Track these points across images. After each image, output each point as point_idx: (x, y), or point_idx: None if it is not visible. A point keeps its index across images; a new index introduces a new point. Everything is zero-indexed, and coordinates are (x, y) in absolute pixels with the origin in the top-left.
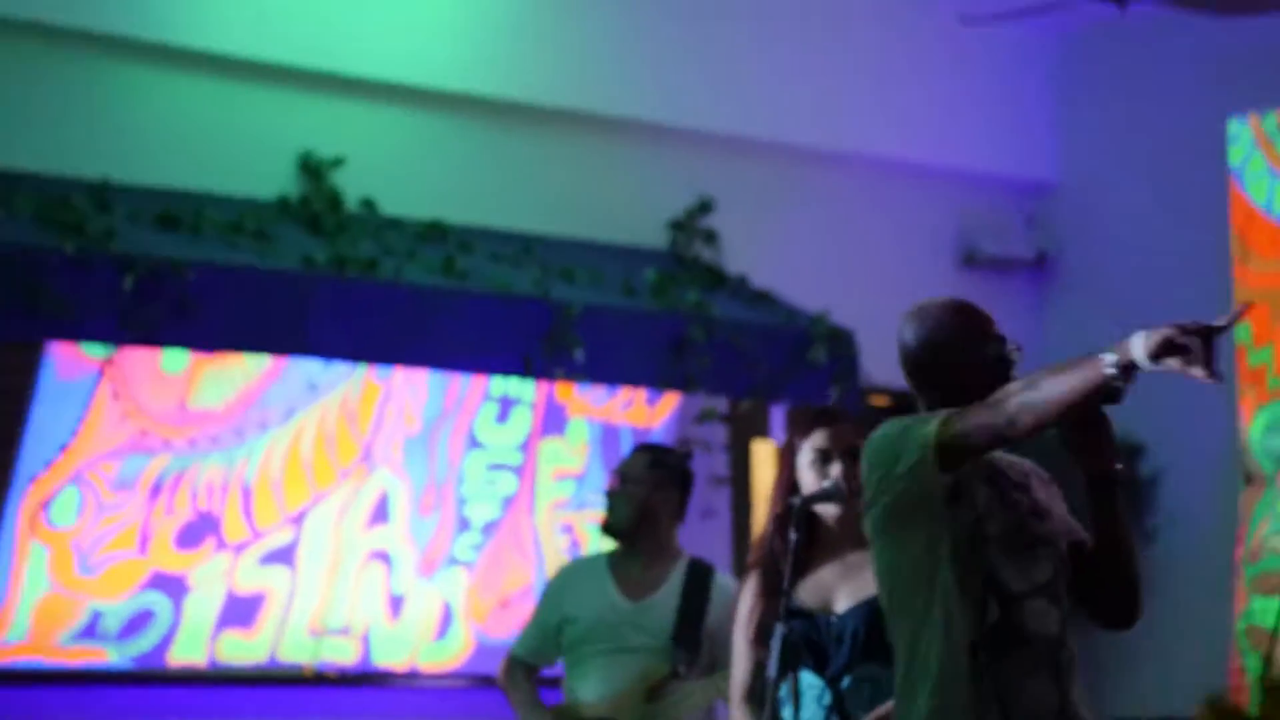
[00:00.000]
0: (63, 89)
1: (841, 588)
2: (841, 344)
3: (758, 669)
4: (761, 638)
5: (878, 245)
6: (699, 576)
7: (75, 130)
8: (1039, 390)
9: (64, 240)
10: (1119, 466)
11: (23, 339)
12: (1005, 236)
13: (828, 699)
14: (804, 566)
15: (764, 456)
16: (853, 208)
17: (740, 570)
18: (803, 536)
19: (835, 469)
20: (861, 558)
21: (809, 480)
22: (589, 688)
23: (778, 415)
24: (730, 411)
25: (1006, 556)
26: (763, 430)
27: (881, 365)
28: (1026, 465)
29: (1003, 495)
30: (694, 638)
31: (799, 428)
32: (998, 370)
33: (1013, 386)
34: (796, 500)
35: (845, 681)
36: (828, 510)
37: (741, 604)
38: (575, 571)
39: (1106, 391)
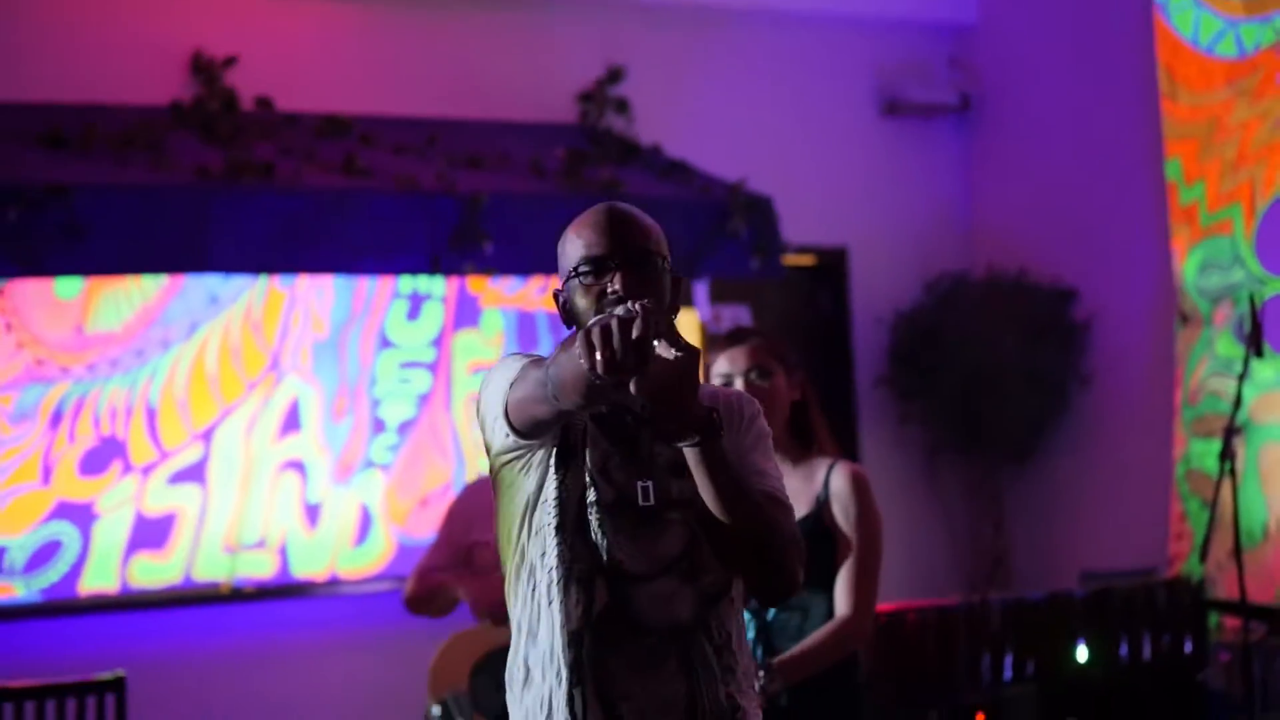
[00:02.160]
0: None
1: None
2: (760, 213)
3: None
4: None
5: (796, 100)
6: None
7: None
8: (557, 366)
9: None
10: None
11: None
12: (927, 82)
13: (751, 632)
14: None
15: (687, 326)
16: (768, 64)
17: None
18: None
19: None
20: (786, 480)
21: None
22: None
23: (700, 287)
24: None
25: (619, 529)
26: (685, 300)
27: (804, 225)
28: (710, 396)
29: (630, 451)
30: None
31: (712, 352)
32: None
33: (558, 351)
34: None
35: (770, 613)
36: None
37: None
38: (482, 491)
39: (593, 390)
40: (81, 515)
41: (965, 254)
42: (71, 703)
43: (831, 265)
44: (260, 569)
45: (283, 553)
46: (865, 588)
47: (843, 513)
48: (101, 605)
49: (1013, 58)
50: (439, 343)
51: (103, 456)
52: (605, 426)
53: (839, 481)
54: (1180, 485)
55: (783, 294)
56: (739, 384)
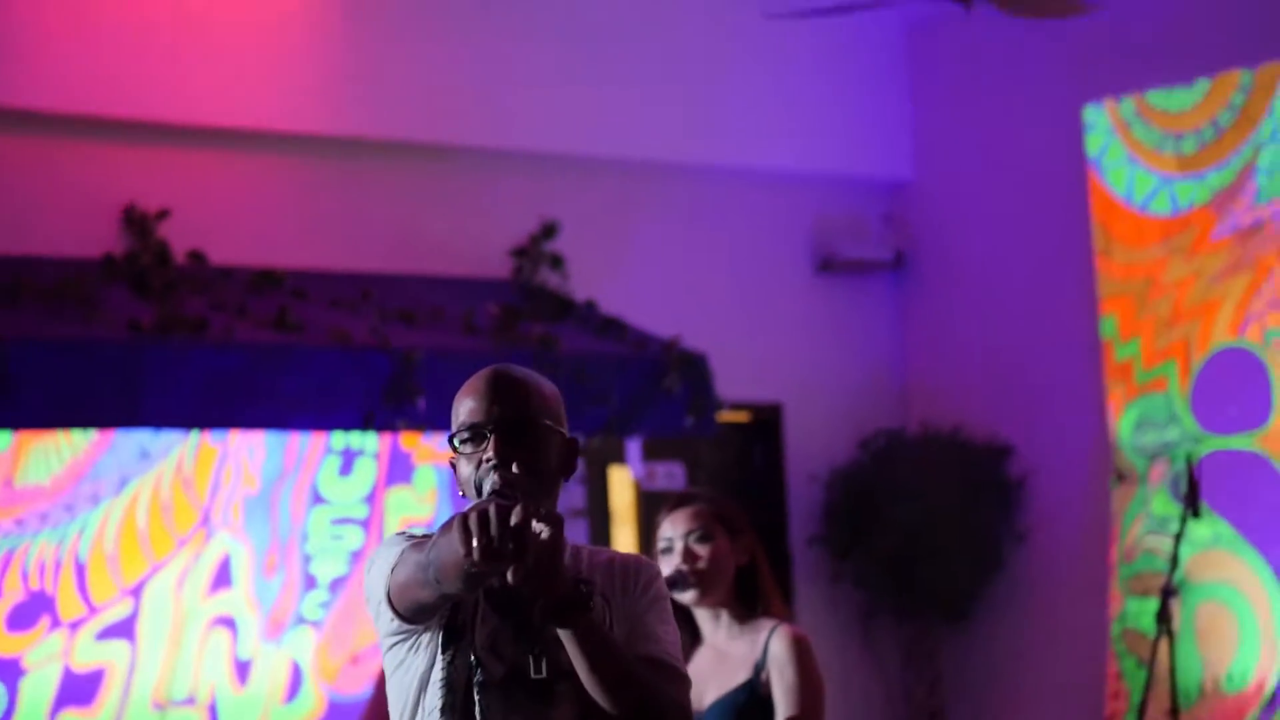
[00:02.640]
0: None
1: (711, 680)
2: (695, 370)
3: None
4: None
5: (731, 257)
6: None
7: None
8: (438, 550)
9: None
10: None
11: None
12: (862, 238)
13: None
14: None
15: (620, 483)
16: (703, 220)
17: None
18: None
19: (675, 557)
20: (730, 644)
21: (664, 570)
22: None
23: (634, 444)
24: (584, 445)
25: (511, 705)
26: (618, 457)
27: (738, 381)
28: (607, 561)
29: (521, 623)
30: None
31: (661, 514)
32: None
33: (439, 534)
34: None
35: None
36: (685, 598)
37: None
38: None
39: (472, 576)
40: (9, 671)
41: (900, 411)
42: None
43: (766, 422)
44: None
45: (212, 710)
46: None
47: (779, 677)
48: None
49: (947, 214)
50: (371, 499)
51: (31, 611)
52: (495, 599)
53: (778, 646)
54: (1116, 644)
55: (717, 451)
56: (678, 548)
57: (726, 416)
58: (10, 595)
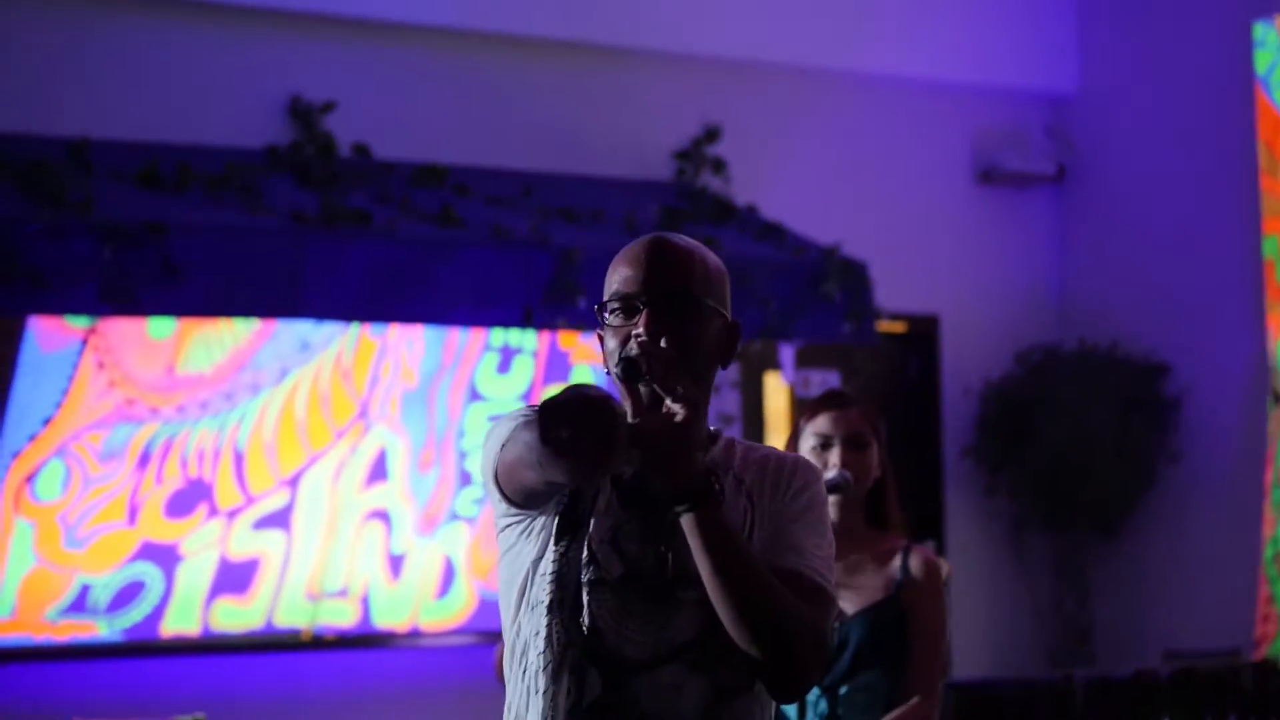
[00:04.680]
0: (37, 44)
1: (843, 590)
2: (855, 277)
3: None
4: None
5: (891, 166)
6: None
7: (51, 87)
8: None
9: (41, 209)
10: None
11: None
12: (1023, 151)
13: (823, 707)
14: None
15: (774, 389)
16: (865, 129)
17: None
18: None
19: (835, 456)
20: (860, 557)
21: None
22: None
23: (788, 350)
24: (740, 350)
25: (625, 609)
26: (773, 364)
27: (895, 291)
28: (762, 458)
29: (648, 520)
30: None
31: (806, 412)
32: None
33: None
34: None
35: (843, 690)
36: (832, 499)
37: None
38: None
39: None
40: (166, 557)
41: (1057, 325)
42: None
43: (923, 333)
44: (342, 618)
45: (365, 602)
46: (937, 675)
47: (920, 597)
48: (183, 648)
49: (1111, 129)
50: (528, 397)
51: (189, 499)
52: (623, 491)
53: (918, 565)
54: (1268, 567)
55: (872, 360)
56: (837, 448)
57: (883, 327)
58: (169, 482)
